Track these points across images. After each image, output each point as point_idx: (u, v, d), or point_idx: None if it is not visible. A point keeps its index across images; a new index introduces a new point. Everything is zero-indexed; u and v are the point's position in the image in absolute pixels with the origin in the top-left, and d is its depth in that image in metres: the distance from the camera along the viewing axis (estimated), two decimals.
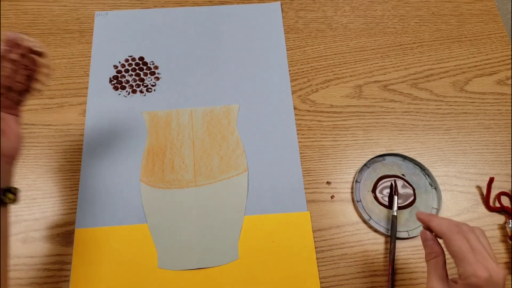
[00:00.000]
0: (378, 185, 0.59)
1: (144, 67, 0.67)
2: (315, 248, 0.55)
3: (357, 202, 0.57)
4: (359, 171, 0.59)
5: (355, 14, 0.73)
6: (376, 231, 0.56)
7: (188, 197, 0.58)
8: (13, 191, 0.43)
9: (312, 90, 0.66)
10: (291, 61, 0.68)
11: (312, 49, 0.70)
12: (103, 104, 0.64)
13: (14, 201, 0.43)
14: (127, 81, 0.66)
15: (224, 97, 0.65)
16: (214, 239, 0.55)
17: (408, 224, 0.56)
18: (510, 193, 0.59)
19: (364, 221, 0.57)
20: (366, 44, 0.70)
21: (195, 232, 0.56)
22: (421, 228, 0.56)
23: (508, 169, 0.61)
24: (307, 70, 0.68)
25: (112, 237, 0.55)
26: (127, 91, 0.65)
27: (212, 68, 0.67)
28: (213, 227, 0.56)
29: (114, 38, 0.69)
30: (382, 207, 0.57)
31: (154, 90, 0.65)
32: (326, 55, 0.69)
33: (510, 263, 0.55)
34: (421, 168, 0.60)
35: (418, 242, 0.56)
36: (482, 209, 0.58)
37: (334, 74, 0.68)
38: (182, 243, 0.55)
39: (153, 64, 0.67)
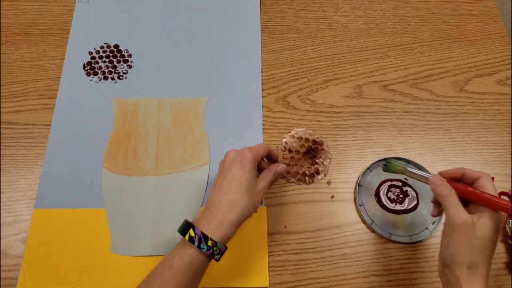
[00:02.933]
0: (380, 189, 0.59)
1: (118, 55, 0.68)
2: (315, 248, 0.55)
3: (360, 206, 0.57)
4: (362, 174, 0.59)
5: (355, 14, 0.73)
6: (379, 235, 0.56)
7: (147, 185, 0.58)
8: (223, 251, 0.45)
9: (312, 90, 0.66)
10: (291, 61, 0.68)
11: (312, 49, 0.70)
12: (74, 89, 0.65)
13: (217, 258, 0.45)
14: (100, 67, 0.66)
15: (194, 89, 0.65)
16: (168, 228, 0.56)
17: (411, 229, 0.56)
18: (510, 193, 0.59)
19: (367, 226, 0.56)
20: (366, 44, 0.70)
21: (150, 220, 0.56)
22: (423, 233, 0.55)
23: (508, 169, 0.61)
24: (307, 70, 0.68)
25: (69, 219, 0.56)
26: (98, 77, 0.66)
27: (185, 59, 0.68)
28: (168, 216, 0.56)
29: (92, 25, 0.70)
30: (384, 211, 0.57)
31: (126, 78, 0.66)
32: (326, 55, 0.69)
33: (510, 263, 0.55)
34: None
35: (419, 242, 0.56)
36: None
37: (334, 74, 0.68)
38: (137, 230, 0.56)
39: (127, 52, 0.68)
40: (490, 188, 0.42)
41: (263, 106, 0.64)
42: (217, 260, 0.45)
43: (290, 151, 0.59)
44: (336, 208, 0.58)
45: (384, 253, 0.55)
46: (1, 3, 0.72)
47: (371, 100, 0.66)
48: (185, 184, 0.58)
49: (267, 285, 0.53)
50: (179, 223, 0.55)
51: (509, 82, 0.67)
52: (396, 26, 0.72)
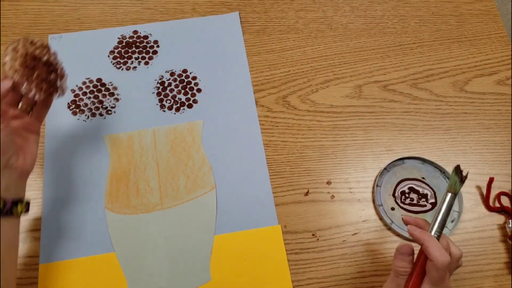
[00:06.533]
0: (398, 188, 0.59)
1: (103, 89, 0.65)
2: (315, 248, 0.55)
3: (379, 206, 0.57)
4: (380, 175, 0.59)
5: (355, 14, 0.73)
6: (398, 235, 0.56)
7: (155, 221, 0.56)
8: (23, 203, 0.45)
9: (312, 90, 0.66)
10: (291, 61, 0.68)
11: (312, 49, 0.70)
12: (62, 131, 0.61)
13: (22, 212, 0.45)
14: (86, 104, 0.63)
15: (187, 113, 0.63)
16: (184, 262, 0.54)
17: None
18: (510, 193, 0.59)
19: (387, 226, 0.56)
20: (366, 44, 0.70)
21: (165, 257, 0.54)
22: (443, 231, 0.55)
23: (508, 169, 0.61)
24: (307, 70, 0.68)
25: (79, 269, 0.53)
26: (86, 115, 0.63)
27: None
28: (183, 250, 0.54)
29: (70, 61, 0.66)
30: (403, 211, 0.57)
31: (114, 112, 0.63)
32: (326, 55, 0.69)
33: (510, 263, 0.55)
34: (440, 171, 0.60)
35: None
36: (482, 209, 0.58)
37: (334, 74, 0.68)
38: (152, 269, 0.53)
39: (111, 84, 0.65)
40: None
41: (263, 106, 0.64)
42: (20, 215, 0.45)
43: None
44: (336, 208, 0.58)
45: (384, 253, 0.55)
46: (1, 3, 0.72)
47: (371, 100, 0.66)
48: (194, 214, 0.56)
49: None
50: (193, 255, 0.54)
51: (509, 82, 0.67)
52: (396, 26, 0.72)
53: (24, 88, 0.46)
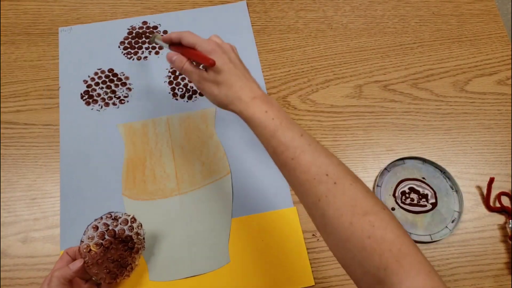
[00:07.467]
0: (398, 189, 0.59)
1: (115, 79, 0.66)
2: (315, 248, 0.55)
3: None
4: (380, 175, 0.59)
5: (355, 14, 0.73)
6: None
7: (173, 206, 0.57)
8: None
9: (312, 90, 0.66)
10: (291, 61, 0.68)
11: (312, 49, 0.70)
12: (76, 121, 0.62)
13: None
14: (99, 94, 0.64)
15: (199, 101, 0.64)
16: (203, 245, 0.55)
17: (431, 228, 0.56)
18: (510, 193, 0.59)
19: None
20: (366, 44, 0.70)
21: (184, 241, 0.55)
22: (444, 231, 0.56)
23: (508, 169, 0.61)
24: (307, 70, 0.68)
25: None
26: (99, 105, 0.64)
27: None
28: (201, 233, 0.56)
29: (81, 52, 0.68)
30: (403, 211, 0.57)
31: (127, 101, 0.64)
32: (326, 55, 0.69)
33: (510, 263, 0.55)
34: (441, 171, 0.60)
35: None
36: (482, 209, 0.58)
37: (334, 74, 0.67)
38: (172, 253, 0.55)
39: (123, 75, 0.66)
40: (201, 45, 0.45)
41: None
42: None
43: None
44: None
45: None
46: (1, 3, 0.72)
47: (371, 100, 0.65)
48: (210, 198, 0.58)
49: (313, 284, 0.53)
50: (212, 238, 0.54)
51: (509, 82, 0.67)
52: (396, 26, 0.72)
53: (91, 271, 0.47)
